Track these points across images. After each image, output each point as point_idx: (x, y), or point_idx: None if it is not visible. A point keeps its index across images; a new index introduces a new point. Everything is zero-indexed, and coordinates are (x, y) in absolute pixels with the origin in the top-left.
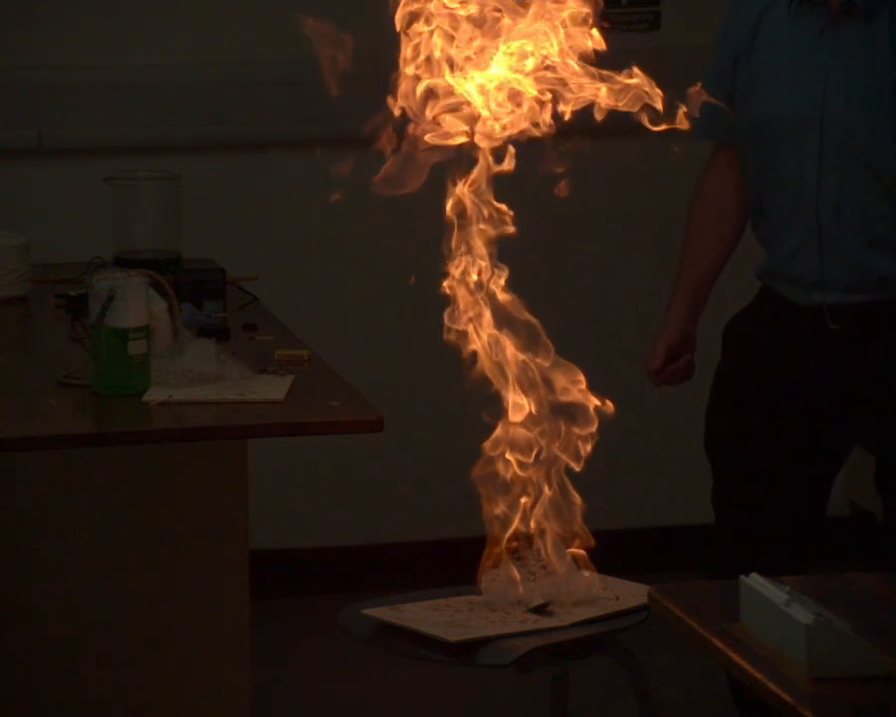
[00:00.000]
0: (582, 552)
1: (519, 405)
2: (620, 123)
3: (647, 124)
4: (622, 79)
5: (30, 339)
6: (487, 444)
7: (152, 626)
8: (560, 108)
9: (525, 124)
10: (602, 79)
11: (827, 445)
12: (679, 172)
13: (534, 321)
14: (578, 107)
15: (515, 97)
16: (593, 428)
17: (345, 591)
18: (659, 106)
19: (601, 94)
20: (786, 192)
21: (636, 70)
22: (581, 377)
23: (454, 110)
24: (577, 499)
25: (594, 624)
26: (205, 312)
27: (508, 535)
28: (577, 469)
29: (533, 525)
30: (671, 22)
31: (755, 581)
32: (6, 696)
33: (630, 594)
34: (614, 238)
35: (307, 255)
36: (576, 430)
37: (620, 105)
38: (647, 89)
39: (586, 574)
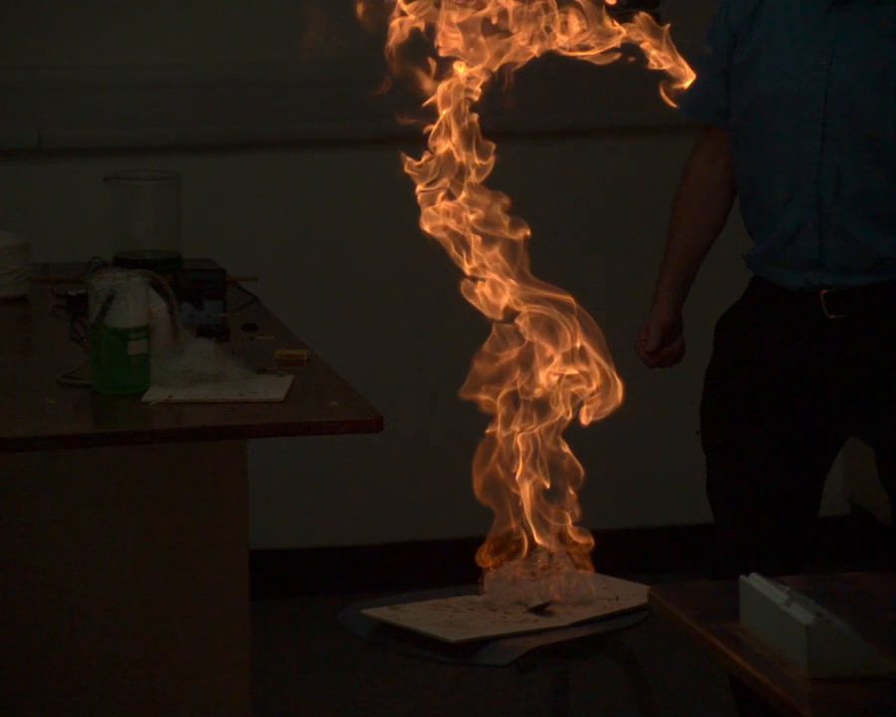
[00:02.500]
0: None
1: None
2: (622, 123)
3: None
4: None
5: (30, 339)
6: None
7: (152, 626)
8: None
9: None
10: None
11: (823, 438)
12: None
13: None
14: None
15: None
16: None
17: (345, 591)
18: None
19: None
20: (785, 169)
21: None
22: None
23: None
24: (576, 463)
25: (594, 624)
26: (205, 312)
27: (507, 533)
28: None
29: (519, 472)
30: (671, 22)
31: (755, 581)
32: (8, 697)
33: (630, 594)
34: (603, 237)
35: (307, 255)
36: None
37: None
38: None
39: (586, 574)
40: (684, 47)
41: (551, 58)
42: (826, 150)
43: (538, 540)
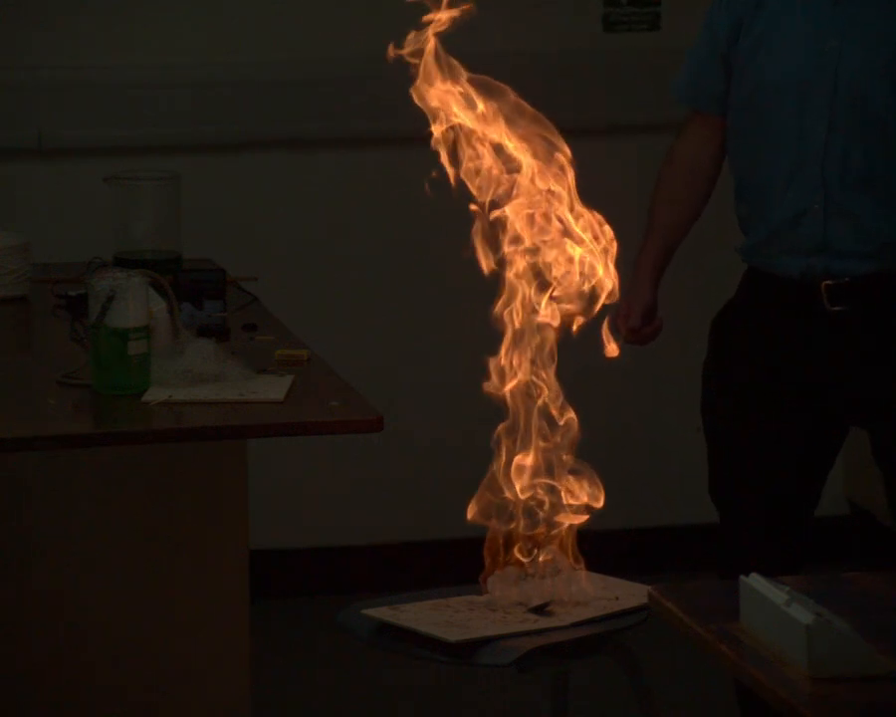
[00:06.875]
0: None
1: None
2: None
3: None
4: None
5: (30, 339)
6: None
7: (152, 627)
8: None
9: None
10: None
11: (824, 433)
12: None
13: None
14: None
15: None
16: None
17: (345, 591)
18: None
19: None
20: (788, 154)
21: None
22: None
23: None
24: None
25: (594, 624)
26: (205, 312)
27: (508, 529)
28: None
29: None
30: (671, 22)
31: (755, 581)
32: (6, 695)
33: (630, 594)
34: None
35: (307, 255)
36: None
37: None
38: None
39: (586, 574)
40: (684, 47)
41: (550, 57)
42: (833, 135)
43: (517, 492)
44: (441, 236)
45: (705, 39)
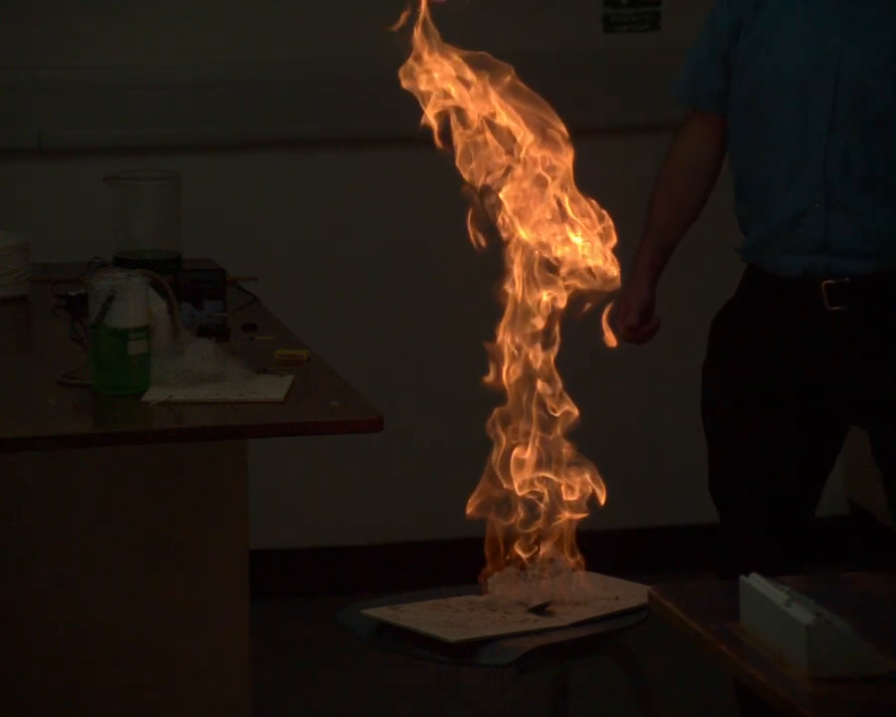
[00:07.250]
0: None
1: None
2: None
3: None
4: None
5: (30, 339)
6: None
7: (152, 627)
8: None
9: None
10: None
11: (824, 433)
12: None
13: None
14: None
15: None
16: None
17: (345, 591)
18: None
19: None
20: (789, 153)
21: None
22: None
23: None
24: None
25: (594, 624)
26: (205, 312)
27: (508, 524)
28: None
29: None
30: (671, 22)
31: (755, 581)
32: (6, 695)
33: (630, 594)
34: None
35: (307, 255)
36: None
37: None
38: None
39: (586, 574)
40: (684, 47)
41: (550, 57)
42: (834, 134)
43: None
44: (441, 236)
45: (705, 38)
